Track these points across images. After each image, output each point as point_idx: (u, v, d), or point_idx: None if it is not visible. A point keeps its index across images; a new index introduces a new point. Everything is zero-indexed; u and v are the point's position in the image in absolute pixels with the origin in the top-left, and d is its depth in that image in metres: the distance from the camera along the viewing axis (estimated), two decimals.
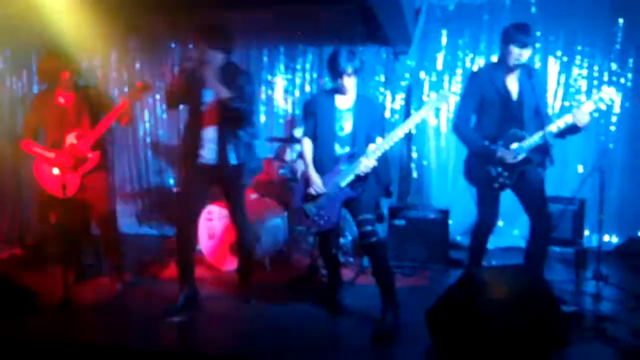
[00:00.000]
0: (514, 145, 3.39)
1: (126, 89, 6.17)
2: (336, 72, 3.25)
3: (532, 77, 3.44)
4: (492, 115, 3.49)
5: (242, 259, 3.83)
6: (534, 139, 3.35)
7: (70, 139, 3.80)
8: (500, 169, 3.45)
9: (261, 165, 5.05)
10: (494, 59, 5.13)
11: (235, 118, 3.41)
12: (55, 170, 3.84)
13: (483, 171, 3.51)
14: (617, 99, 4.87)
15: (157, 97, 6.13)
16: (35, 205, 5.29)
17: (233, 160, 3.47)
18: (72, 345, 3.10)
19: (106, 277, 4.15)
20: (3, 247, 5.17)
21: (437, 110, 3.16)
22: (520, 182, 3.45)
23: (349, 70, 3.21)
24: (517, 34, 3.34)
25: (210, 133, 3.46)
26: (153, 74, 6.16)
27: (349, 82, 3.27)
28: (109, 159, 4.08)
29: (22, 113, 5.42)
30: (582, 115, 3.22)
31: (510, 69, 3.43)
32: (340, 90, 3.33)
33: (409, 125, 3.19)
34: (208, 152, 3.48)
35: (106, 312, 3.63)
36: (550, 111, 3.65)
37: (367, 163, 3.17)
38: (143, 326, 3.38)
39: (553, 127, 3.31)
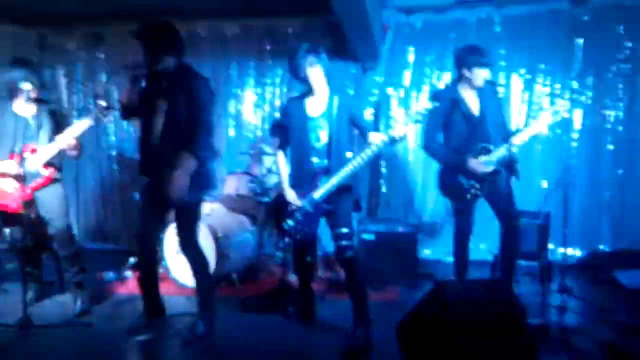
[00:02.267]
0: (482, 158, 3.56)
1: (90, 101, 6.05)
2: (301, 65, 3.13)
3: (493, 91, 3.70)
4: (457, 132, 3.66)
5: (197, 290, 3.45)
6: (501, 151, 3.55)
7: (25, 152, 3.66)
8: (472, 181, 3.60)
9: (222, 186, 4.91)
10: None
11: (187, 133, 3.04)
12: (8, 183, 3.67)
13: (455, 183, 3.65)
14: (578, 116, 5.01)
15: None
16: None
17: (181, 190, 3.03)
18: None
19: (67, 294, 4.00)
20: None
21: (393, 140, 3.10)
22: (491, 192, 3.63)
23: (315, 62, 3.12)
24: (479, 56, 3.55)
25: (160, 150, 3.15)
26: (119, 84, 6.06)
27: (315, 78, 3.17)
28: (61, 173, 3.90)
29: None
30: (541, 124, 3.49)
31: (469, 87, 3.63)
32: (308, 91, 3.26)
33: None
34: (156, 172, 3.14)
35: (67, 331, 3.49)
36: (514, 126, 3.83)
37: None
38: (106, 345, 3.27)
39: (517, 140, 3.53)
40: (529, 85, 5.22)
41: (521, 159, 3.68)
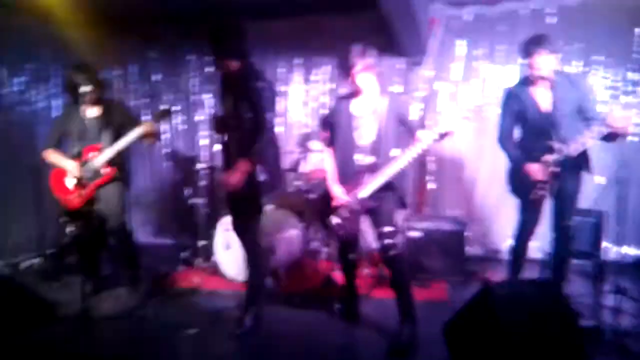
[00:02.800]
0: (548, 157, 3.43)
1: (144, 101, 6.29)
2: (351, 69, 3.14)
3: (568, 82, 3.47)
4: (527, 129, 3.61)
5: (248, 283, 3.60)
6: (572, 147, 3.36)
7: (90, 152, 3.87)
8: (536, 181, 3.51)
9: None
10: (511, 69, 5.14)
11: (252, 130, 3.21)
12: (70, 181, 3.92)
13: (521, 182, 3.58)
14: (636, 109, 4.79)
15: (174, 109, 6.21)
16: (53, 216, 5.38)
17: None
18: (90, 355, 3.12)
19: (123, 288, 4.18)
20: (22, 257, 5.25)
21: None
22: (558, 190, 3.53)
23: (366, 66, 3.12)
24: (532, 44, 3.40)
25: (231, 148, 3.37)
26: (170, 85, 6.25)
27: (364, 79, 3.17)
28: (125, 172, 4.13)
29: (42, 125, 5.52)
30: (616, 120, 3.14)
31: (537, 82, 3.48)
32: (355, 92, 3.27)
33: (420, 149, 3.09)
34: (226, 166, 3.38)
35: (123, 323, 3.65)
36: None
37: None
38: (158, 338, 3.39)
39: (584, 140, 3.32)
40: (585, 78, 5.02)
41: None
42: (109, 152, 3.88)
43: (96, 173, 3.88)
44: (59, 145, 4.05)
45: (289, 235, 4.60)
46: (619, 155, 4.83)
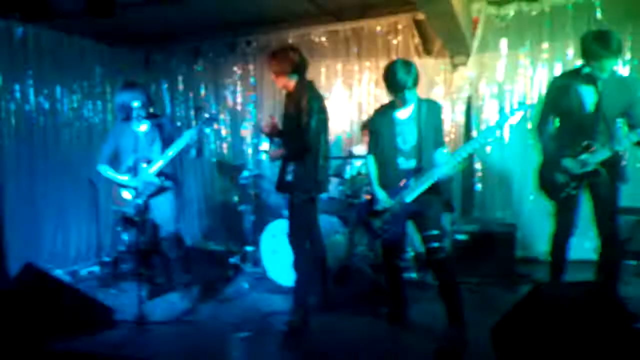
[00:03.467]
0: (584, 156, 3.35)
1: (192, 112, 6.50)
2: (396, 87, 3.18)
3: (619, 84, 3.36)
4: (567, 123, 3.50)
5: (295, 284, 3.67)
6: (605, 151, 3.29)
7: (142, 164, 4.07)
8: (567, 179, 3.42)
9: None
10: (559, 67, 5.00)
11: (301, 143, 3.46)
12: (126, 193, 4.14)
13: (552, 179, 3.50)
14: None
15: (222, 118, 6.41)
16: (109, 225, 5.65)
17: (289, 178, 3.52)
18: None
19: (175, 293, 4.33)
20: (81, 265, 5.51)
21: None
22: (591, 194, 3.44)
23: (409, 83, 3.15)
24: (603, 45, 3.20)
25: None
26: (217, 96, 6.44)
27: (409, 95, 3.21)
28: (177, 182, 4.31)
29: (97, 139, 5.80)
30: None
31: (588, 79, 3.34)
32: (398, 102, 3.30)
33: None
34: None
35: (176, 327, 3.77)
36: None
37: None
38: (209, 341, 3.50)
39: (627, 141, 3.24)
40: (637, 72, 4.83)
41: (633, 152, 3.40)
42: (161, 163, 4.05)
43: (150, 183, 4.06)
44: (113, 159, 4.26)
45: (334, 240, 4.64)
46: None
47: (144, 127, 4.17)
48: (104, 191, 5.12)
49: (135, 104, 3.99)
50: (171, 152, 4.02)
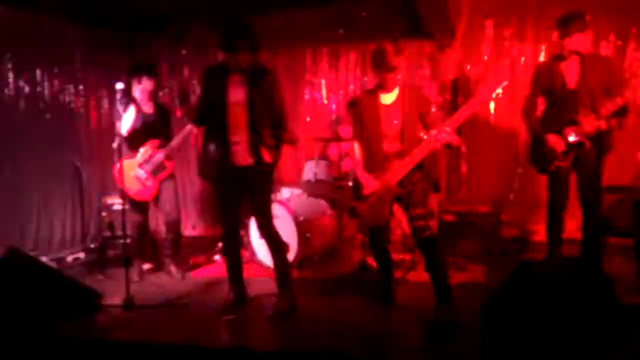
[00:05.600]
0: (569, 131, 3.51)
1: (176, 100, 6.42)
2: (383, 68, 3.19)
3: (596, 60, 3.61)
4: (552, 101, 3.69)
5: (276, 269, 3.60)
6: (590, 123, 3.46)
7: (151, 147, 4.14)
8: (555, 152, 3.59)
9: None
10: (544, 47, 5.03)
11: (263, 126, 3.37)
12: (134, 176, 4.16)
13: (541, 153, 3.67)
14: None
15: None
16: (95, 212, 5.59)
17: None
18: (133, 343, 3.23)
19: (164, 277, 4.34)
20: (67, 252, 5.45)
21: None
22: (578, 165, 3.58)
23: (398, 65, 3.17)
24: (574, 21, 3.50)
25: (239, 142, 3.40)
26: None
27: (394, 77, 3.23)
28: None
29: (79, 123, 5.73)
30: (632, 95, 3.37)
31: (567, 58, 3.58)
32: (384, 86, 3.31)
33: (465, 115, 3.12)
34: (237, 154, 3.41)
35: (165, 311, 3.76)
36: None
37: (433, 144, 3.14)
38: (199, 324, 3.49)
39: (605, 111, 3.42)
40: (620, 53, 4.87)
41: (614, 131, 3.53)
42: (170, 148, 4.14)
43: (160, 166, 4.14)
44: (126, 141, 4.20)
45: (322, 222, 4.65)
46: None
47: (153, 110, 4.22)
48: (87, 176, 5.06)
49: (147, 88, 4.12)
50: (178, 138, 4.12)
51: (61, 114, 5.70)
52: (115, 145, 3.87)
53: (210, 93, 3.43)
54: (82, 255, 5.29)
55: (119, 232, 4.61)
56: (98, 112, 6.24)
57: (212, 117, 3.39)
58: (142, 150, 4.18)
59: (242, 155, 3.39)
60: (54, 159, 5.43)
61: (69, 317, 3.52)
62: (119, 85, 3.85)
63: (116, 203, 4.87)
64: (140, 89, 4.18)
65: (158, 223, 4.69)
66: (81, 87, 5.97)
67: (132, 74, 4.21)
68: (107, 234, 5.03)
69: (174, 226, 4.35)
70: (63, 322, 3.46)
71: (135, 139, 4.17)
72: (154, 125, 4.19)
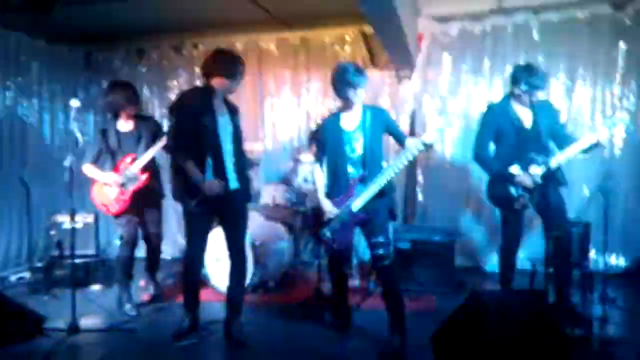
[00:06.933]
0: (533, 168, 3.54)
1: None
2: (346, 86, 3.22)
3: (547, 106, 3.76)
4: (508, 143, 3.70)
5: (232, 294, 3.56)
6: (552, 161, 3.54)
7: (126, 161, 4.08)
8: (521, 191, 3.61)
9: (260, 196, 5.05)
10: (498, 83, 5.22)
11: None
12: (111, 190, 4.09)
13: (505, 192, 3.67)
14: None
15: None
16: (42, 230, 5.38)
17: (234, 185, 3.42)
18: None
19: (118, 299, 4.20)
20: (12, 271, 5.23)
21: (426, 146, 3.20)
22: (540, 202, 3.61)
23: (361, 84, 3.22)
24: (534, 78, 3.58)
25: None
26: (161, 98, 6.30)
27: (357, 98, 3.27)
28: (159, 184, 4.33)
29: (31, 139, 5.57)
30: (603, 132, 3.48)
31: (521, 100, 3.66)
32: (346, 107, 3.33)
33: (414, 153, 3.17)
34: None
35: (112, 335, 3.63)
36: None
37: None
38: (149, 349, 3.39)
39: (575, 148, 3.50)
40: (568, 92, 5.12)
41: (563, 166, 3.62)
42: (144, 159, 4.07)
43: (134, 179, 4.06)
44: (99, 158, 4.16)
45: (279, 247, 4.62)
46: (605, 165, 4.95)
47: (130, 126, 4.15)
48: (36, 193, 4.88)
49: (125, 105, 4.06)
50: (152, 151, 4.06)
51: (12, 127, 5.52)
52: (67, 163, 3.75)
53: (194, 117, 3.32)
54: (27, 274, 5.06)
55: (67, 252, 4.43)
56: (52, 127, 6.09)
57: (195, 141, 3.31)
58: (121, 166, 4.10)
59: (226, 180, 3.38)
60: (0, 174, 5.23)
61: (10, 342, 3.37)
62: (75, 102, 3.76)
63: (65, 221, 4.70)
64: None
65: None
66: (35, 100, 5.82)
67: (108, 92, 4.14)
68: (55, 253, 4.85)
69: (157, 244, 4.36)
70: (3, 347, 3.30)
71: (114, 155, 4.13)
72: (130, 142, 4.13)
